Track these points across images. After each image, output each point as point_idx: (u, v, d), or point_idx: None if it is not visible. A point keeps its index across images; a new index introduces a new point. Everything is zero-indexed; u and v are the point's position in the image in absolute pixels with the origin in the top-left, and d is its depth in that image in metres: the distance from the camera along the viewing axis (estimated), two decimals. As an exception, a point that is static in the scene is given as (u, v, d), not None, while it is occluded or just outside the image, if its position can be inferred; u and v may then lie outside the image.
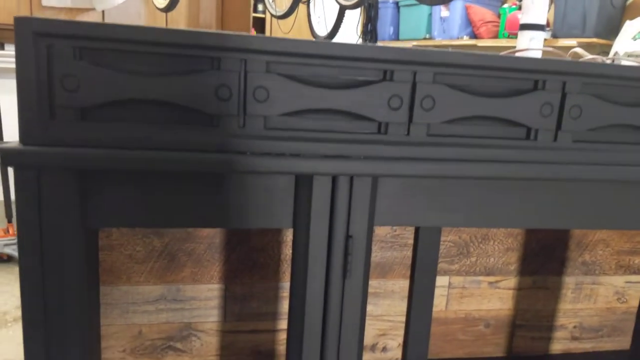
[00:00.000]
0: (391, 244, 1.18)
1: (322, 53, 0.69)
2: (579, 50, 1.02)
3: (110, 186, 0.71)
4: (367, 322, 1.21)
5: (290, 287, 0.80)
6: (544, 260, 1.26)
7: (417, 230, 1.17)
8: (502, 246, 1.23)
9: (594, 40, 2.94)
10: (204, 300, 1.13)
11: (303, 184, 0.74)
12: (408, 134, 0.75)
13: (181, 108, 0.68)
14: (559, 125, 0.79)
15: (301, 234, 0.76)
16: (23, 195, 0.67)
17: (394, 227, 1.18)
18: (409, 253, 1.20)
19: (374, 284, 1.20)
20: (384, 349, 1.25)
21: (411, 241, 1.19)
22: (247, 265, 1.13)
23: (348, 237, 0.76)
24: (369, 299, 1.20)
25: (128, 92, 0.67)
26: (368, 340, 1.23)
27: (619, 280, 1.32)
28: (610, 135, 0.81)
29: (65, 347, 0.73)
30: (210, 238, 1.10)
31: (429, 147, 0.75)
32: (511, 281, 1.26)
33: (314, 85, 0.71)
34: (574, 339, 1.33)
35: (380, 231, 1.17)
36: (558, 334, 1.32)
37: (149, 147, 0.68)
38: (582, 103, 0.79)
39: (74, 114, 0.66)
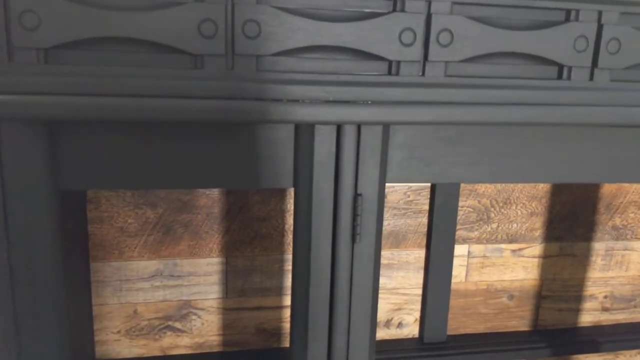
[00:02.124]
0: (404, 210, 1.09)
1: (321, -22, 0.60)
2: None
3: (84, 140, 0.62)
4: (380, 295, 1.13)
5: (292, 255, 0.71)
6: (571, 225, 1.17)
7: (432, 195, 1.08)
8: (526, 210, 1.14)
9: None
10: (203, 276, 1.04)
11: (303, 134, 0.65)
12: (423, 74, 0.65)
13: (159, 47, 0.59)
14: (595, 62, 0.69)
15: (303, 193, 0.67)
16: (-19, 152, 0.59)
17: (407, 193, 1.08)
18: (424, 220, 1.10)
19: (386, 254, 1.11)
20: (400, 325, 1.16)
21: (426, 207, 1.10)
22: (248, 237, 1.04)
23: (356, 195, 0.67)
24: (382, 271, 1.11)
25: (97, 30, 0.57)
26: (382, 315, 1.15)
27: (652, 246, 1.22)
28: (654, 73, 0.71)
29: (39, 331, 0.64)
30: (208, 208, 1.01)
31: (447, 89, 0.65)
32: (536, 249, 1.17)
33: (313, 18, 0.61)
34: (605, 309, 1.24)
35: (392, 197, 1.08)
36: (587, 304, 1.23)
37: (124, 94, 0.59)
38: (621, 36, 0.68)
39: (35, 56, 0.57)
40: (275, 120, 0.62)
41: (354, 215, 0.67)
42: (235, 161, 0.65)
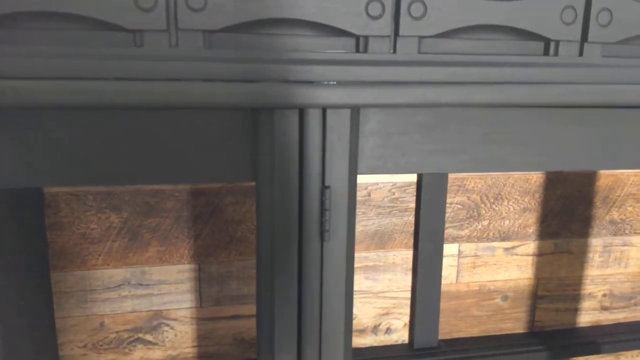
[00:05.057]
0: (390, 209, 1.03)
1: (274, -58, 0.53)
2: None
3: (12, 130, 0.55)
4: (367, 299, 1.06)
5: (256, 257, 0.64)
6: (566, 221, 1.10)
7: (418, 191, 1.01)
8: (518, 206, 1.07)
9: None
10: (174, 284, 0.97)
11: (262, 120, 0.58)
12: (394, 51, 0.59)
13: (92, 22, 0.52)
14: (584, 36, 0.63)
15: (264, 187, 0.60)
16: None
17: (392, 190, 1.02)
18: (411, 219, 1.04)
19: (372, 256, 1.04)
20: (388, 331, 1.09)
21: (413, 205, 1.03)
22: (222, 241, 0.97)
23: (324, 187, 0.60)
24: (367, 274, 1.04)
25: (20, 4, 0.51)
26: (369, 320, 1.08)
27: (653, 241, 1.16)
28: (650, 46, 0.65)
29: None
30: (177, 211, 0.94)
31: (422, 68, 0.59)
32: (530, 246, 1.10)
33: (267, -11, 0.54)
34: (604, 309, 1.17)
35: (376, 195, 1.01)
36: (585, 304, 1.16)
37: (53, 76, 0.52)
38: (612, 6, 0.62)
39: (-48, 37, 0.51)
40: (228, 105, 0.56)
41: (322, 210, 0.61)
42: (184, 153, 0.58)
